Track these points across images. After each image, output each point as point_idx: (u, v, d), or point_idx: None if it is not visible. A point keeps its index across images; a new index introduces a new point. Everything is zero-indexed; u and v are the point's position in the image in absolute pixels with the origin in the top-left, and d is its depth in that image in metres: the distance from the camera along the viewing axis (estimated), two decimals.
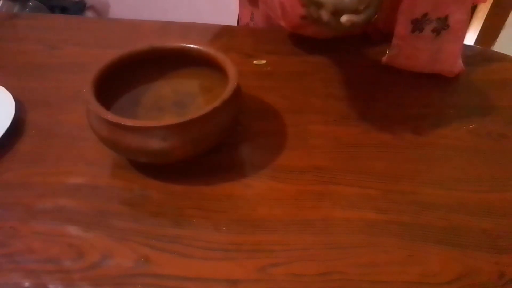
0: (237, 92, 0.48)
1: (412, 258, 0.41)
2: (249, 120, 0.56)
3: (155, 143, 0.44)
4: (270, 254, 0.42)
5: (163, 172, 0.49)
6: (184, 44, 0.53)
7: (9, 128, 0.53)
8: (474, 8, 1.42)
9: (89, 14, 1.86)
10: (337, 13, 0.44)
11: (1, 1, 1.54)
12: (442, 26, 0.59)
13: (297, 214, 0.45)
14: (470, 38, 1.29)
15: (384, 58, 0.65)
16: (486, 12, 1.28)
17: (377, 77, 0.64)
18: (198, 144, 0.46)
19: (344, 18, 0.44)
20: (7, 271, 0.40)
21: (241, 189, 0.48)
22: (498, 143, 0.54)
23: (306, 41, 0.70)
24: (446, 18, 0.58)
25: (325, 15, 0.45)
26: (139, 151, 0.45)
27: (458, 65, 0.63)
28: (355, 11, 0.44)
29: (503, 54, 0.69)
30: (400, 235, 0.43)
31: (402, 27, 0.60)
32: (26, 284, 0.39)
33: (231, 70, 0.48)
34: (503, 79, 0.64)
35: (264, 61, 0.67)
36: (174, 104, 0.55)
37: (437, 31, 0.59)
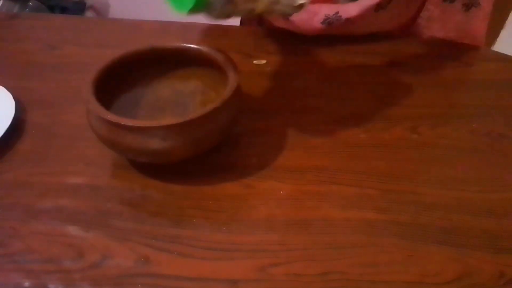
0: (237, 92, 0.48)
1: (412, 258, 0.41)
2: (249, 120, 0.56)
3: (155, 143, 0.44)
4: (270, 254, 0.42)
5: (163, 172, 0.49)
6: (184, 44, 0.53)
7: (9, 128, 0.52)
8: None
9: (89, 14, 1.86)
10: None
11: (1, 1, 1.54)
12: (473, 3, 0.61)
13: (297, 214, 0.45)
14: None
15: (419, 21, 0.69)
16: None
17: (377, 77, 0.64)
18: (198, 144, 0.46)
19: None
20: (7, 271, 0.40)
21: (241, 189, 0.48)
22: (498, 143, 0.54)
23: (306, 41, 0.70)
24: None
25: None
26: (139, 151, 0.45)
27: (482, 38, 0.67)
28: None
29: (503, 54, 0.69)
30: (400, 235, 0.43)
31: None
32: (26, 284, 0.39)
33: (231, 70, 0.48)
34: (503, 79, 0.64)
35: (264, 61, 0.67)
36: (174, 104, 0.55)
37: (467, 6, 0.61)
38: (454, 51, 0.69)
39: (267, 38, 0.73)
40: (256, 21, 0.81)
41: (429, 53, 0.69)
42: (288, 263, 0.41)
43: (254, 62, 0.66)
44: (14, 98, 0.56)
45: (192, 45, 0.53)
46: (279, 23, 0.71)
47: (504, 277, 0.40)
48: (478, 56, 0.70)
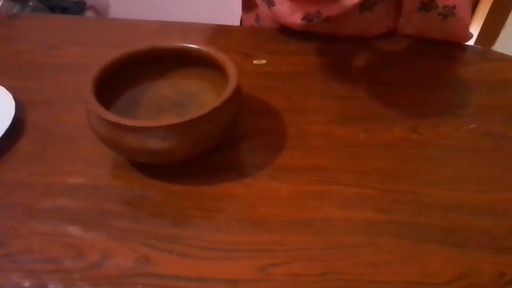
0: (237, 92, 0.48)
1: (412, 258, 0.41)
2: (249, 120, 0.56)
3: (155, 143, 0.44)
4: (270, 254, 0.42)
5: (163, 172, 0.49)
6: (184, 44, 0.53)
7: (9, 128, 0.53)
8: (474, 8, 1.42)
9: (89, 14, 1.86)
10: None
11: (1, 1, 1.54)
12: (449, 13, 0.60)
13: (297, 214, 0.45)
14: None
15: (398, 26, 0.68)
16: (486, 12, 1.28)
17: (377, 77, 0.64)
18: (198, 144, 0.46)
19: None
20: (7, 271, 0.40)
21: (241, 189, 0.48)
22: (498, 143, 0.54)
23: (306, 41, 0.70)
24: (453, 7, 0.59)
25: None
26: (139, 151, 0.45)
27: (468, 35, 0.67)
28: None
29: (503, 54, 0.69)
30: (400, 235, 0.43)
31: (409, 1, 0.62)
32: (26, 284, 0.39)
33: (231, 70, 0.48)
34: (503, 79, 0.64)
35: (264, 61, 0.66)
36: (174, 104, 0.55)
37: (443, 15, 0.61)
38: (454, 51, 0.69)
39: (267, 38, 0.73)
40: (255, 19, 0.81)
41: (429, 53, 0.69)
42: (288, 263, 0.41)
43: (254, 62, 0.66)
44: (14, 98, 0.56)
45: (192, 45, 0.53)
46: (265, 9, 0.70)
47: (504, 277, 0.40)
48: (478, 56, 0.70)
